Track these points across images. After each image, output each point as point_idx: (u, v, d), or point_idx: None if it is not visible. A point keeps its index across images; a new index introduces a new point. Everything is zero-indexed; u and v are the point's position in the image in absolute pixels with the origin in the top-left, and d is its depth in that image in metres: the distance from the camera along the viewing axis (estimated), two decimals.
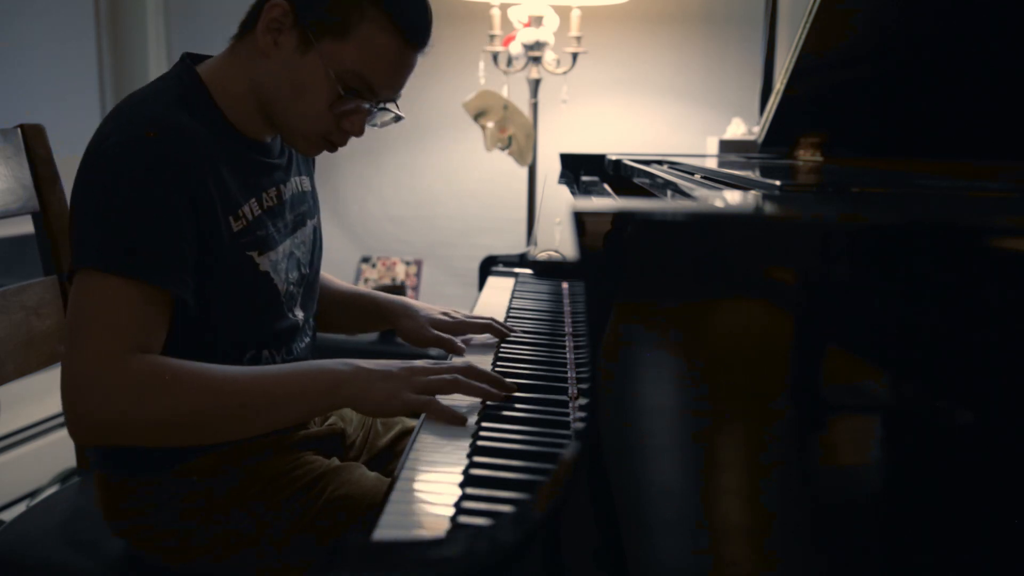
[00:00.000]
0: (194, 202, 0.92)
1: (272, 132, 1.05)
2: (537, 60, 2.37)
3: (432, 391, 0.90)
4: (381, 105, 1.00)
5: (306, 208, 1.12)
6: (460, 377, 0.90)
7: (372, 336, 2.64)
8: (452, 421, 0.87)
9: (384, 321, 1.26)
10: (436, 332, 1.17)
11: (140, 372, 0.85)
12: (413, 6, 0.97)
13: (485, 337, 1.18)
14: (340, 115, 0.98)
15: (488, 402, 0.91)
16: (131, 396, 0.85)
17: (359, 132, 1.01)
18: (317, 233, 1.16)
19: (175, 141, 0.91)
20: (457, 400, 0.92)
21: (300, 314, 1.09)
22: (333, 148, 1.03)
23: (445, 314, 1.21)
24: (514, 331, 1.20)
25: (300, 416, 0.92)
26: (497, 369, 1.03)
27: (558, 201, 1.67)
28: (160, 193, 0.89)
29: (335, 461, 1.07)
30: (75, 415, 0.85)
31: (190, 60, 1.03)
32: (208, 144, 0.95)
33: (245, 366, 0.96)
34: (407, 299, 1.26)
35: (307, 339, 1.13)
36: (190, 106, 0.96)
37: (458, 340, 1.16)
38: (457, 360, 0.98)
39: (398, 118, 1.04)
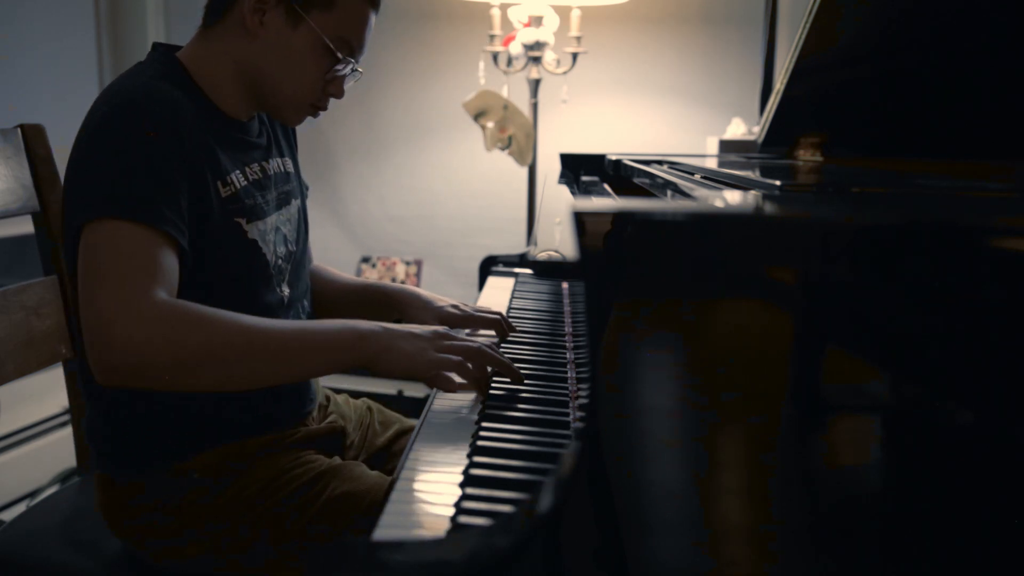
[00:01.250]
0: (187, 162, 0.94)
1: (251, 111, 1.10)
2: (537, 60, 2.37)
3: (456, 353, 0.94)
4: (353, 68, 1.07)
5: (290, 188, 1.15)
6: (485, 349, 0.95)
7: None
8: (478, 390, 0.93)
9: (393, 310, 1.28)
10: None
11: (169, 307, 0.85)
12: None
13: (490, 333, 1.19)
14: (327, 81, 1.05)
15: (488, 401, 0.91)
16: (162, 330, 0.84)
17: (341, 94, 1.08)
18: (302, 214, 1.18)
19: (166, 106, 0.95)
20: (457, 399, 0.92)
21: (287, 291, 1.11)
22: (316, 114, 1.10)
23: (455, 307, 1.22)
24: (515, 330, 1.20)
25: (323, 368, 0.93)
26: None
27: (558, 201, 1.67)
28: (156, 149, 0.92)
29: (336, 460, 1.07)
30: (102, 353, 0.84)
31: (163, 48, 1.07)
32: (194, 115, 0.98)
33: (270, 319, 0.96)
34: (417, 289, 1.27)
35: (302, 318, 1.14)
36: (172, 82, 1.00)
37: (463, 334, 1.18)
38: (478, 338, 1.02)
39: (359, 75, 1.10)
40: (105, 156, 0.92)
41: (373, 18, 1.06)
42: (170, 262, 0.90)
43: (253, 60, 1.03)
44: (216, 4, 1.04)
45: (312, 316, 1.19)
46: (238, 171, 1.03)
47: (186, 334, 0.86)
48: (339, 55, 1.03)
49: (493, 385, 0.97)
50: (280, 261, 1.09)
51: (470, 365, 0.94)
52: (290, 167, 1.17)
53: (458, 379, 0.94)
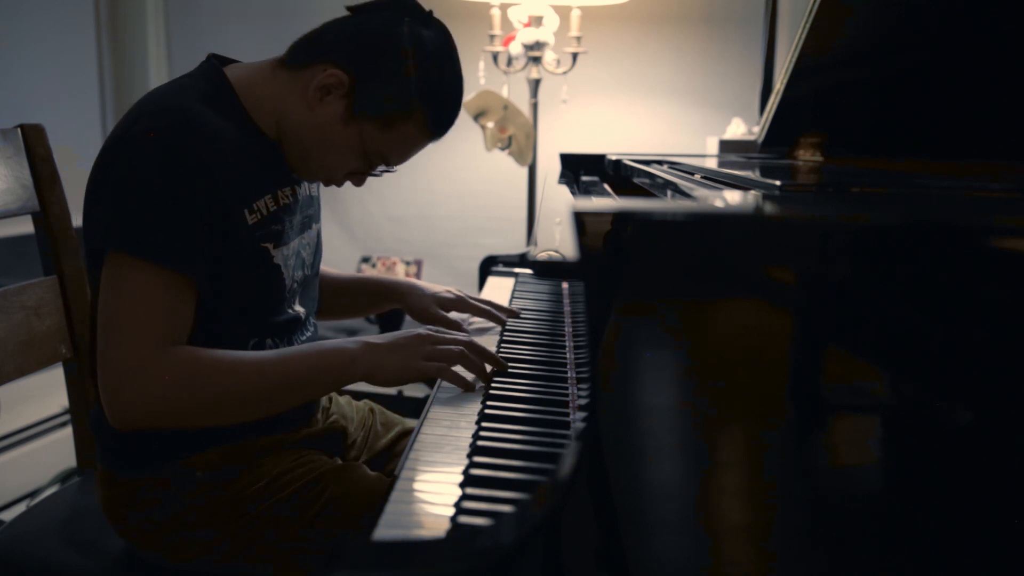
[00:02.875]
0: (214, 193, 0.95)
1: None
2: (537, 60, 2.37)
3: (440, 359, 0.97)
4: (384, 170, 1.09)
5: (312, 212, 1.16)
6: (466, 351, 0.98)
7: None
8: (465, 387, 0.96)
9: (391, 300, 1.31)
10: (442, 312, 1.24)
11: (177, 364, 0.91)
12: (451, 112, 1.06)
13: (484, 320, 1.24)
14: (352, 173, 1.07)
15: (488, 402, 0.91)
16: (170, 387, 0.90)
17: (359, 185, 1.10)
18: (319, 237, 1.19)
19: (196, 133, 0.94)
20: (457, 398, 0.92)
21: (300, 309, 1.12)
22: (327, 186, 1.11)
23: (449, 291, 1.27)
24: (510, 324, 1.23)
25: (322, 391, 0.99)
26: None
27: (558, 201, 1.67)
28: (183, 183, 0.93)
29: (336, 461, 1.07)
30: (117, 407, 0.90)
31: (216, 60, 1.06)
32: (229, 138, 0.98)
33: (266, 351, 1.01)
34: (413, 279, 1.30)
35: (308, 333, 1.15)
36: (215, 102, 1.00)
37: (464, 324, 1.23)
38: (460, 335, 1.03)
39: (391, 171, 1.12)
40: (133, 185, 0.92)
41: (427, 144, 1.06)
42: (187, 308, 0.94)
43: (297, 122, 1.02)
44: (300, 54, 1.03)
45: (315, 326, 1.20)
46: (269, 195, 1.03)
47: (200, 386, 0.92)
48: (369, 164, 1.05)
49: (493, 385, 0.97)
50: (295, 284, 1.10)
51: (457, 366, 0.98)
52: (315, 191, 1.17)
53: (466, 374, 0.98)
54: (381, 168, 1.08)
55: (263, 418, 0.98)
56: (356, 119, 1.00)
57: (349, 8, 1.05)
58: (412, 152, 1.07)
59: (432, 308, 1.24)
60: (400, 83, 0.99)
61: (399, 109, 1.00)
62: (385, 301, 1.32)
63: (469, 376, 0.98)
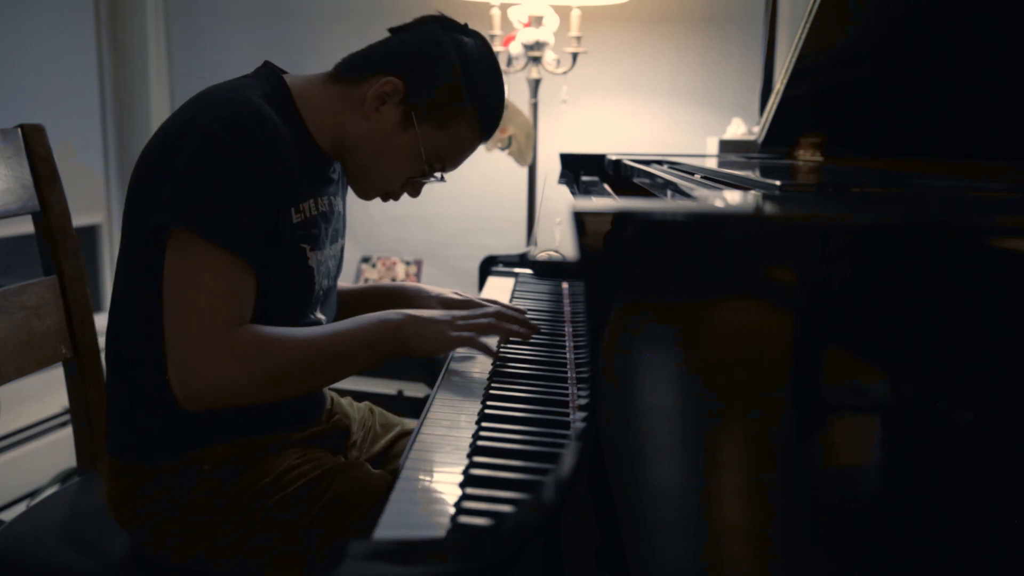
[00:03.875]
0: (273, 185, 0.99)
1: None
2: (537, 60, 2.37)
3: (472, 331, 1.05)
4: (441, 177, 1.14)
5: (340, 227, 1.18)
6: (494, 321, 1.08)
7: None
8: (489, 354, 1.06)
9: (397, 304, 1.30)
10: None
11: (244, 345, 0.94)
12: (497, 111, 1.12)
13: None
14: (409, 181, 1.12)
15: (488, 401, 0.92)
16: (238, 368, 0.94)
17: (415, 195, 1.15)
18: (343, 252, 1.22)
19: (262, 125, 0.98)
20: (457, 398, 0.92)
21: (322, 317, 1.14)
22: (385, 200, 1.16)
23: (456, 293, 1.28)
24: (524, 312, 1.22)
25: (371, 363, 1.03)
26: (497, 368, 1.03)
27: (558, 201, 1.67)
28: (253, 173, 0.96)
29: (340, 459, 1.07)
30: (187, 389, 0.93)
31: (272, 68, 1.10)
32: (286, 137, 1.01)
33: (318, 326, 1.06)
34: (418, 284, 1.32)
35: None
36: (274, 104, 1.03)
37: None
38: (489, 307, 1.13)
39: (443, 181, 1.16)
40: (207, 171, 0.95)
41: (478, 145, 1.13)
42: (250, 291, 0.97)
43: (355, 135, 1.08)
44: (353, 68, 1.08)
45: None
46: (311, 200, 1.07)
47: (267, 364, 0.96)
48: (429, 168, 1.10)
49: (493, 385, 0.97)
50: (321, 291, 1.13)
51: (484, 337, 1.06)
52: (342, 207, 1.20)
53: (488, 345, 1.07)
54: (435, 176, 1.13)
55: (242, 434, 1.03)
56: (413, 123, 1.06)
57: (391, 30, 1.12)
58: (465, 154, 1.13)
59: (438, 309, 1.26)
60: (451, 83, 1.06)
61: (452, 107, 1.06)
62: (390, 306, 1.32)
63: (493, 345, 1.08)
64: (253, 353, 0.95)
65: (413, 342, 1.03)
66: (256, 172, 0.96)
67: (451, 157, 1.11)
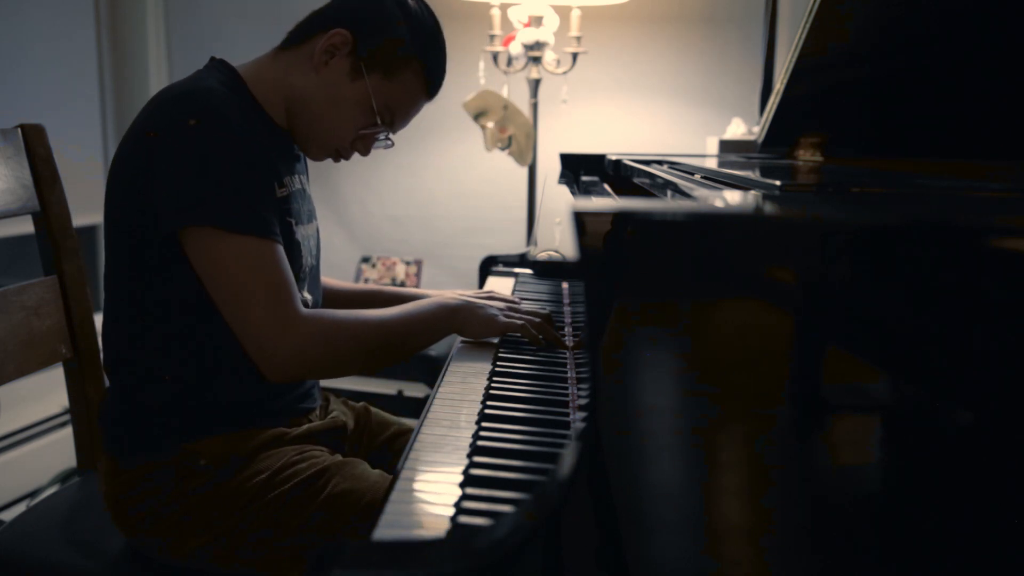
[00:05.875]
0: (259, 161, 1.02)
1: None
2: (537, 60, 2.37)
3: (520, 319, 1.12)
4: (389, 136, 1.17)
5: (311, 208, 1.21)
6: (540, 322, 1.14)
7: None
8: (535, 341, 1.11)
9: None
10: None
11: (316, 319, 1.01)
12: (441, 70, 1.15)
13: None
14: (358, 136, 1.13)
15: (488, 401, 0.92)
16: (317, 341, 1.00)
17: (366, 153, 1.18)
18: (319, 234, 1.23)
19: (229, 109, 1.01)
20: (457, 398, 0.92)
21: (309, 296, 1.16)
22: (337, 160, 1.18)
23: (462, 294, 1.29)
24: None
25: (432, 341, 1.10)
26: (497, 368, 1.03)
27: (558, 201, 1.67)
28: (241, 154, 0.99)
29: (338, 457, 1.08)
30: (271, 367, 0.99)
31: (219, 61, 1.13)
32: (252, 123, 1.04)
33: (382, 309, 1.10)
34: (423, 291, 1.33)
35: None
36: (229, 91, 1.06)
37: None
38: (533, 306, 1.20)
39: (390, 144, 1.20)
40: (199, 165, 0.97)
41: (425, 103, 1.16)
42: (288, 269, 1.01)
43: (305, 92, 1.10)
44: (298, 33, 1.12)
45: None
46: (288, 176, 1.10)
47: (336, 340, 1.01)
48: (379, 120, 1.12)
49: (493, 385, 0.97)
50: (307, 269, 1.15)
51: (533, 329, 1.12)
52: (309, 189, 1.22)
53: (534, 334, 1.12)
54: (383, 135, 1.15)
55: (239, 427, 1.05)
56: (362, 74, 1.09)
57: None
58: (413, 109, 1.15)
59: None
60: (397, 34, 1.09)
61: (400, 56, 1.09)
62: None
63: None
64: (325, 328, 1.00)
65: (469, 325, 1.10)
66: (244, 152, 0.99)
67: (400, 109, 1.13)
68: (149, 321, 1.04)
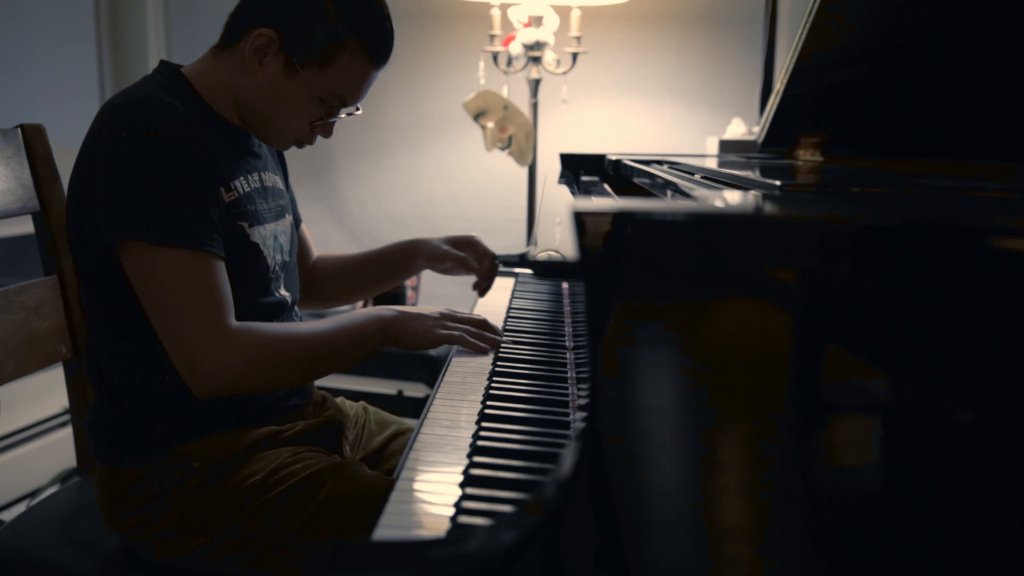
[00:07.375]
0: (198, 169, 1.00)
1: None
2: (537, 60, 2.37)
3: (458, 331, 1.10)
4: (348, 112, 1.13)
5: (284, 203, 1.19)
6: (475, 330, 1.13)
7: None
8: (480, 352, 1.10)
9: (410, 254, 1.36)
10: (455, 251, 1.33)
11: (245, 333, 0.97)
12: (384, 36, 1.09)
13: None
14: (316, 125, 1.11)
15: (488, 401, 0.92)
16: (245, 355, 0.97)
17: (328, 136, 1.14)
18: (293, 230, 1.22)
19: (167, 116, 0.99)
20: (457, 398, 0.92)
21: (286, 294, 1.16)
22: (301, 146, 1.15)
23: (460, 237, 1.36)
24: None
25: (364, 356, 1.07)
26: (497, 368, 1.03)
27: (558, 201, 1.67)
28: (176, 165, 0.97)
29: (335, 458, 1.07)
30: (197, 380, 0.96)
31: (167, 65, 1.11)
32: (194, 123, 1.02)
33: (312, 322, 1.08)
34: (424, 237, 1.37)
35: (295, 320, 1.19)
36: (175, 94, 1.04)
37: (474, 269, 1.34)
38: (475, 316, 1.17)
39: (358, 111, 1.15)
40: (132, 178, 0.96)
41: (376, 74, 1.10)
42: (225, 281, 0.99)
43: (248, 95, 1.07)
44: (231, 31, 1.08)
45: (300, 317, 1.21)
46: (241, 178, 1.08)
47: (264, 355, 0.99)
48: (328, 109, 1.08)
49: (493, 385, 0.97)
50: (278, 268, 1.13)
51: (471, 338, 1.11)
52: (280, 184, 1.21)
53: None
54: (344, 111, 1.11)
55: (232, 427, 1.05)
56: (297, 69, 1.05)
57: None
58: (363, 84, 1.10)
59: (444, 247, 1.33)
60: (323, 22, 1.04)
61: (331, 45, 1.04)
62: (408, 257, 1.37)
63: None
64: (254, 342, 0.97)
65: (403, 336, 1.07)
66: (178, 162, 0.98)
67: (347, 92, 1.09)
68: (124, 329, 1.04)
